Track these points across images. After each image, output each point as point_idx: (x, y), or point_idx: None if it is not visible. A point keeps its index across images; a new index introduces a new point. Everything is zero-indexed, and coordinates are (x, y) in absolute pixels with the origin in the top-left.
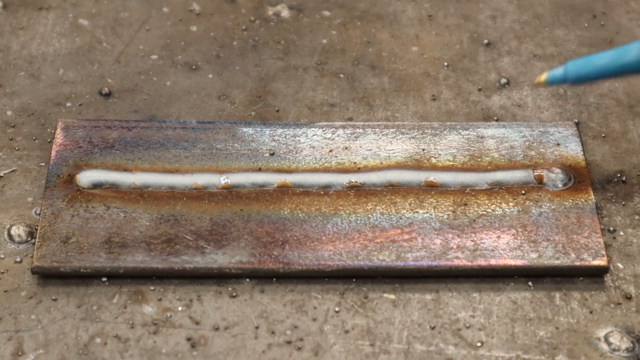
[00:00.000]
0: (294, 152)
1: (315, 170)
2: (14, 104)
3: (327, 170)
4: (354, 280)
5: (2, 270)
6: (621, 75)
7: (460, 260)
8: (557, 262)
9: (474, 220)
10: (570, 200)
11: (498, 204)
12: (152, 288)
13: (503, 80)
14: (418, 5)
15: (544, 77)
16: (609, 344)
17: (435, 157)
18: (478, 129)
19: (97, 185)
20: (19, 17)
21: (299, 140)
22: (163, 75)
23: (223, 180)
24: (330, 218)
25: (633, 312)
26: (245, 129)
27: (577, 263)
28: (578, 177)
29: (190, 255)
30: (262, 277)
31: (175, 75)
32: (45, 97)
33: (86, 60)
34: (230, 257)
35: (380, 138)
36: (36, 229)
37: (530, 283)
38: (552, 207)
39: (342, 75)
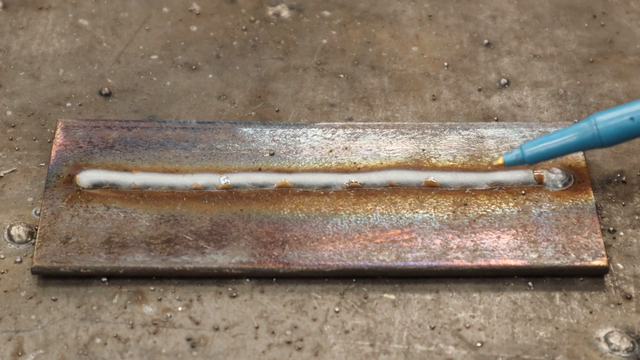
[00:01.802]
0: (294, 152)
1: (315, 171)
2: (14, 104)
3: (327, 170)
4: (354, 280)
5: (2, 270)
6: (579, 151)
7: (460, 260)
8: (557, 262)
9: (474, 221)
10: (570, 201)
11: (498, 204)
12: (152, 288)
13: (503, 81)
14: (418, 5)
15: (500, 160)
16: (609, 344)
17: (435, 157)
18: (478, 129)
19: (97, 186)
20: (19, 17)
21: (299, 140)
22: (163, 75)
23: (223, 180)
24: (330, 218)
25: (633, 312)
26: (245, 129)
27: (577, 263)
28: (578, 177)
29: (190, 255)
30: (262, 277)
31: (175, 75)
32: (45, 97)
33: (86, 60)
34: (230, 257)
35: (380, 138)
36: (36, 229)
37: (530, 283)
38: (552, 207)
39: (342, 75)
